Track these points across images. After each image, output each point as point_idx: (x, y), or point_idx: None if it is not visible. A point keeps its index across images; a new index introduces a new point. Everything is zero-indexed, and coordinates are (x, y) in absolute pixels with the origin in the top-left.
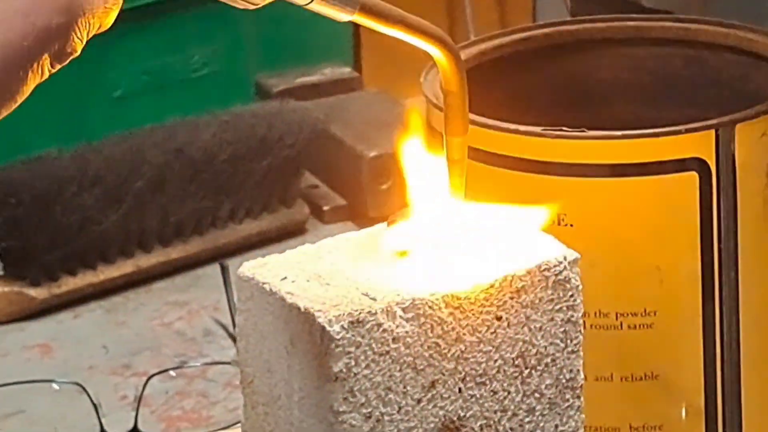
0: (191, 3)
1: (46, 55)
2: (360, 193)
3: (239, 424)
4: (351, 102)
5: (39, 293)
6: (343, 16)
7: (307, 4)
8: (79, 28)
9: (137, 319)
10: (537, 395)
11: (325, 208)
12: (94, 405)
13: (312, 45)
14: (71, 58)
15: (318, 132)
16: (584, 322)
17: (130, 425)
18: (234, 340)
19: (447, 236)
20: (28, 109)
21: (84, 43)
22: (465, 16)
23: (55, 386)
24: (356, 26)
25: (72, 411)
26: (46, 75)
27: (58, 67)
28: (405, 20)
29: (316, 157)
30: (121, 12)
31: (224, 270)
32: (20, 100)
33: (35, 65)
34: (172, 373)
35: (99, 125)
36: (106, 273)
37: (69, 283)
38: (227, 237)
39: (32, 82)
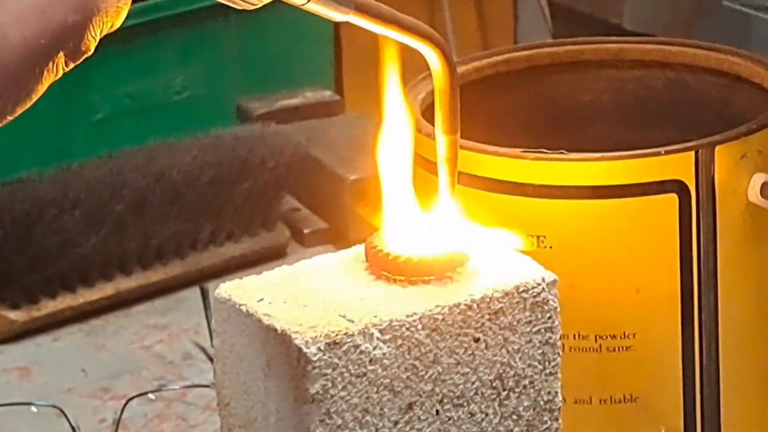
0: (172, 26)
1: (61, 54)
2: (341, 216)
3: None
4: (332, 125)
5: (18, 316)
6: (338, 15)
7: (303, 4)
8: (93, 27)
9: (117, 343)
10: (515, 417)
11: (306, 231)
12: (73, 428)
13: (293, 68)
14: (85, 56)
15: (299, 155)
16: (563, 344)
17: None
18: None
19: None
20: (9, 132)
21: (97, 41)
22: (447, 37)
23: (33, 409)
24: (338, 49)
25: None
26: (60, 74)
27: (72, 65)
28: (398, 20)
29: (297, 180)
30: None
31: (204, 293)
32: (35, 98)
33: (51, 63)
34: (151, 396)
35: (80, 148)
36: (86, 296)
37: (49, 306)
38: (208, 260)
39: (47, 80)
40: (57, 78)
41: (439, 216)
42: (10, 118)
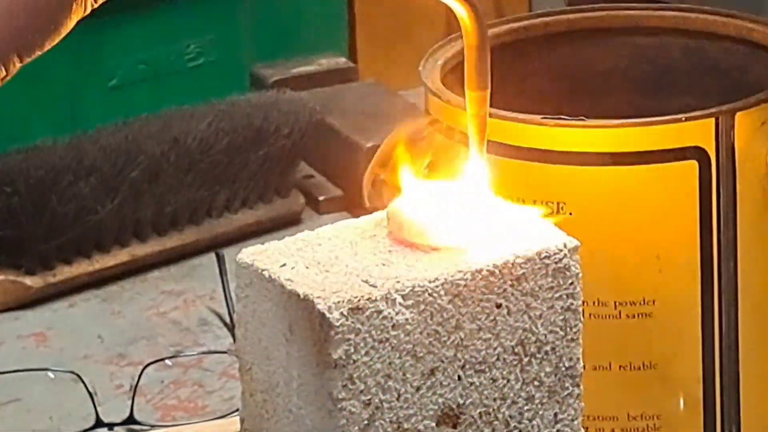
0: None
1: None
2: (356, 183)
3: (235, 414)
4: (347, 92)
5: (34, 282)
6: None
7: None
8: None
9: (133, 309)
10: (536, 383)
11: (321, 198)
12: (90, 394)
13: (308, 35)
14: None
15: (314, 122)
16: (583, 311)
17: (126, 414)
18: (230, 329)
19: (447, 224)
20: (24, 98)
21: None
22: None
23: (50, 375)
24: (352, 16)
25: (68, 400)
26: (89, 10)
27: (100, 2)
28: None
29: (312, 147)
30: (116, 1)
31: (220, 259)
32: (63, 33)
33: None
34: (167, 362)
35: (94, 114)
36: (101, 262)
37: (64, 272)
38: (223, 227)
39: (76, 15)
40: (85, 14)
41: (464, 183)
42: (39, 52)
